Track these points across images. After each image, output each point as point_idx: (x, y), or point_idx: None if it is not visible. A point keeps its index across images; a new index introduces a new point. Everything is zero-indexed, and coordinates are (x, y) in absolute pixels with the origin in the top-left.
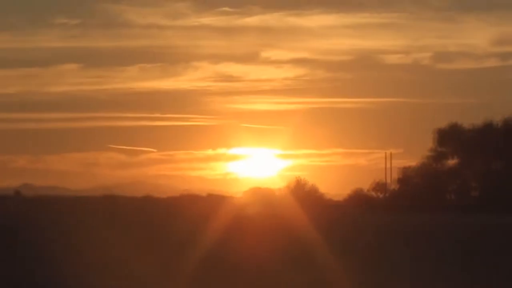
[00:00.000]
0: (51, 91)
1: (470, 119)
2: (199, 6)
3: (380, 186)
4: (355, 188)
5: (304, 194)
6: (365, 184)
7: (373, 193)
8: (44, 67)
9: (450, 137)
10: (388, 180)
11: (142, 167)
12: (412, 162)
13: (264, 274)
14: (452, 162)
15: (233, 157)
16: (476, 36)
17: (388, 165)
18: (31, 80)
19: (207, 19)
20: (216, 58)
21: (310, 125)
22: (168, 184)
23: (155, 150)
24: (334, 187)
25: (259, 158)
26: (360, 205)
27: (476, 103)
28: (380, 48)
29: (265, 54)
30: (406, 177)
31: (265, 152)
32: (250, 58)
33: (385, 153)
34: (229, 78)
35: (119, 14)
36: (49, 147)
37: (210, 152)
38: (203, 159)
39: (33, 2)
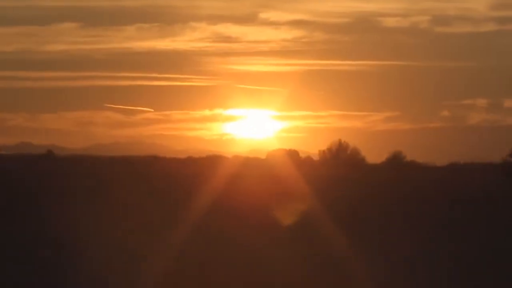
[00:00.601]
0: (49, 50)
1: (467, 83)
2: None
3: None
4: (393, 151)
5: (346, 157)
6: (363, 147)
7: None
8: (42, 25)
9: None
10: None
11: (139, 126)
12: (409, 125)
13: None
14: None
15: (230, 118)
16: (475, 0)
17: None
18: (29, 38)
19: None
20: (215, 18)
21: (307, 87)
22: (166, 145)
23: (152, 110)
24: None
25: (255, 119)
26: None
27: (474, 67)
28: (379, 10)
29: (264, 15)
30: None
31: (261, 114)
32: (249, 19)
33: None
34: (227, 39)
35: None
36: (46, 106)
37: (207, 112)
38: (199, 120)
39: None
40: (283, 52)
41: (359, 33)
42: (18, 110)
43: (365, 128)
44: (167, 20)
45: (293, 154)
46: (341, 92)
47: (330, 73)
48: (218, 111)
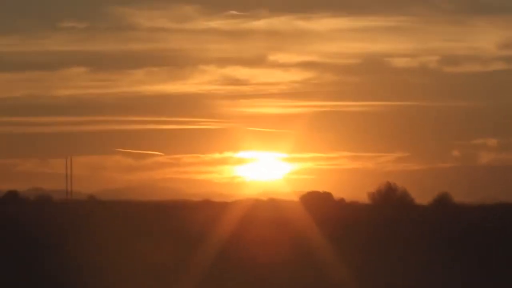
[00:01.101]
0: (58, 95)
1: (477, 123)
2: (207, 9)
3: None
4: (440, 193)
5: (396, 199)
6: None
7: None
8: (51, 70)
9: None
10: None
11: (150, 170)
12: (419, 165)
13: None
14: None
15: (240, 161)
16: (484, 40)
17: None
18: (39, 83)
19: (215, 22)
20: (224, 61)
21: (317, 129)
22: (176, 188)
23: (162, 154)
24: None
25: (266, 162)
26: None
27: (483, 106)
28: (388, 51)
29: (273, 57)
30: None
31: (272, 156)
32: (258, 61)
33: None
34: (236, 82)
35: (127, 17)
36: (57, 151)
37: (217, 155)
38: (210, 163)
39: (41, 5)
40: (293, 93)
41: (369, 74)
42: (29, 155)
43: (376, 169)
44: (176, 63)
45: (327, 197)
46: (351, 133)
47: (340, 114)
48: (228, 154)
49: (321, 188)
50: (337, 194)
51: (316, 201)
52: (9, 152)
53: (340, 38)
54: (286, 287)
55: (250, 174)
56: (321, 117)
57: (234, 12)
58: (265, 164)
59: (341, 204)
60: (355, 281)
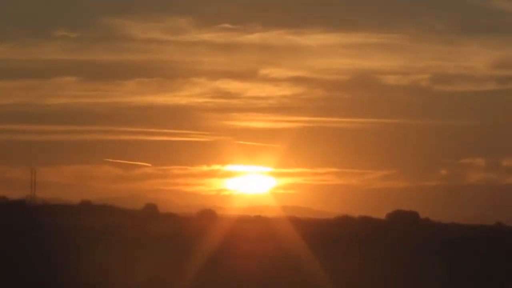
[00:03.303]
0: (49, 103)
1: (466, 142)
2: (199, 22)
3: None
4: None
5: None
6: (360, 205)
7: None
8: (43, 79)
9: None
10: None
11: (138, 181)
12: (406, 183)
13: None
14: None
15: (228, 174)
16: (475, 59)
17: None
18: (30, 91)
19: (208, 35)
20: (215, 74)
21: (305, 144)
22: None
23: (150, 165)
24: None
25: (253, 176)
26: None
27: (474, 126)
28: (379, 68)
29: (264, 71)
30: None
31: (259, 170)
32: (249, 75)
33: None
34: (227, 95)
35: (119, 28)
36: (46, 159)
37: (205, 168)
38: (198, 175)
39: (34, 14)
40: (283, 108)
41: (358, 91)
42: (18, 163)
43: (362, 185)
44: (168, 75)
45: (414, 216)
46: (339, 149)
47: (328, 130)
48: (216, 166)
49: (305, 203)
50: (322, 208)
51: (402, 220)
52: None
53: (331, 54)
54: None
55: (237, 187)
56: (309, 132)
57: (227, 26)
58: (252, 178)
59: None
60: None
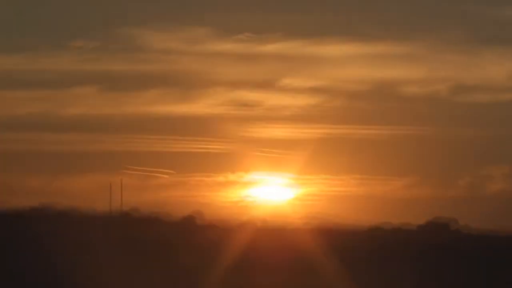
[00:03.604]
0: (68, 113)
1: (486, 153)
2: (218, 32)
3: None
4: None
5: None
6: (383, 213)
7: None
8: (61, 89)
9: None
10: None
11: (157, 190)
12: (428, 191)
13: None
14: None
15: (248, 183)
16: (495, 69)
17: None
18: (48, 101)
19: (226, 45)
20: (234, 84)
21: (326, 153)
22: (183, 209)
23: (170, 174)
24: (348, 213)
25: (274, 184)
26: None
27: (493, 136)
28: (398, 78)
29: (283, 81)
30: None
31: (280, 178)
32: (268, 85)
33: None
34: (246, 105)
35: (138, 38)
36: (65, 169)
37: (225, 177)
38: (218, 184)
39: (51, 24)
40: (302, 118)
41: (378, 100)
42: (37, 172)
43: (384, 193)
44: (187, 85)
45: (450, 225)
46: (360, 158)
47: (349, 139)
48: (236, 176)
49: (328, 210)
50: (345, 216)
51: (435, 229)
52: (18, 169)
53: (351, 64)
54: None
55: (258, 196)
56: (330, 142)
57: (246, 35)
58: (273, 187)
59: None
60: None
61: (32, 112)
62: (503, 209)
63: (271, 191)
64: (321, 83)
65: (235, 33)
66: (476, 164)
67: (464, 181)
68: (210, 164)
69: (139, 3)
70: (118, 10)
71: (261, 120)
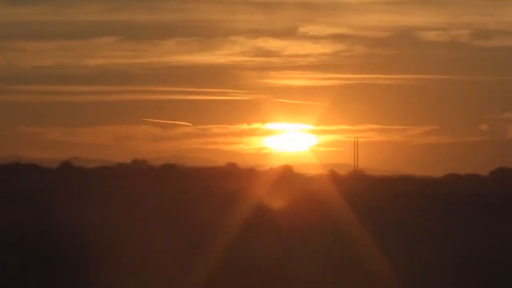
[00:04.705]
0: (87, 64)
1: (506, 96)
2: None
3: None
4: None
5: None
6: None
7: None
8: (81, 39)
9: None
10: None
11: (177, 140)
12: (448, 139)
13: None
14: None
15: (268, 132)
16: None
17: None
18: (68, 52)
19: None
20: (254, 32)
21: (345, 101)
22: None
23: (190, 124)
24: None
25: (294, 133)
26: None
27: None
28: (419, 24)
29: (303, 29)
30: None
31: (300, 127)
32: (288, 33)
33: None
34: (266, 53)
35: None
36: (84, 120)
37: (245, 126)
38: (237, 134)
39: None
40: (323, 66)
41: (399, 47)
42: (56, 124)
43: (405, 142)
44: (206, 34)
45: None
46: (380, 106)
47: (369, 87)
48: (256, 125)
49: (348, 160)
50: (363, 165)
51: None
52: (37, 121)
53: (371, 10)
54: None
55: (277, 145)
56: (350, 90)
57: None
58: (292, 136)
59: None
60: None
61: (51, 64)
62: None
63: (291, 140)
64: (341, 30)
65: None
66: (497, 109)
67: (485, 126)
68: (228, 114)
69: None
70: None
71: (281, 69)
